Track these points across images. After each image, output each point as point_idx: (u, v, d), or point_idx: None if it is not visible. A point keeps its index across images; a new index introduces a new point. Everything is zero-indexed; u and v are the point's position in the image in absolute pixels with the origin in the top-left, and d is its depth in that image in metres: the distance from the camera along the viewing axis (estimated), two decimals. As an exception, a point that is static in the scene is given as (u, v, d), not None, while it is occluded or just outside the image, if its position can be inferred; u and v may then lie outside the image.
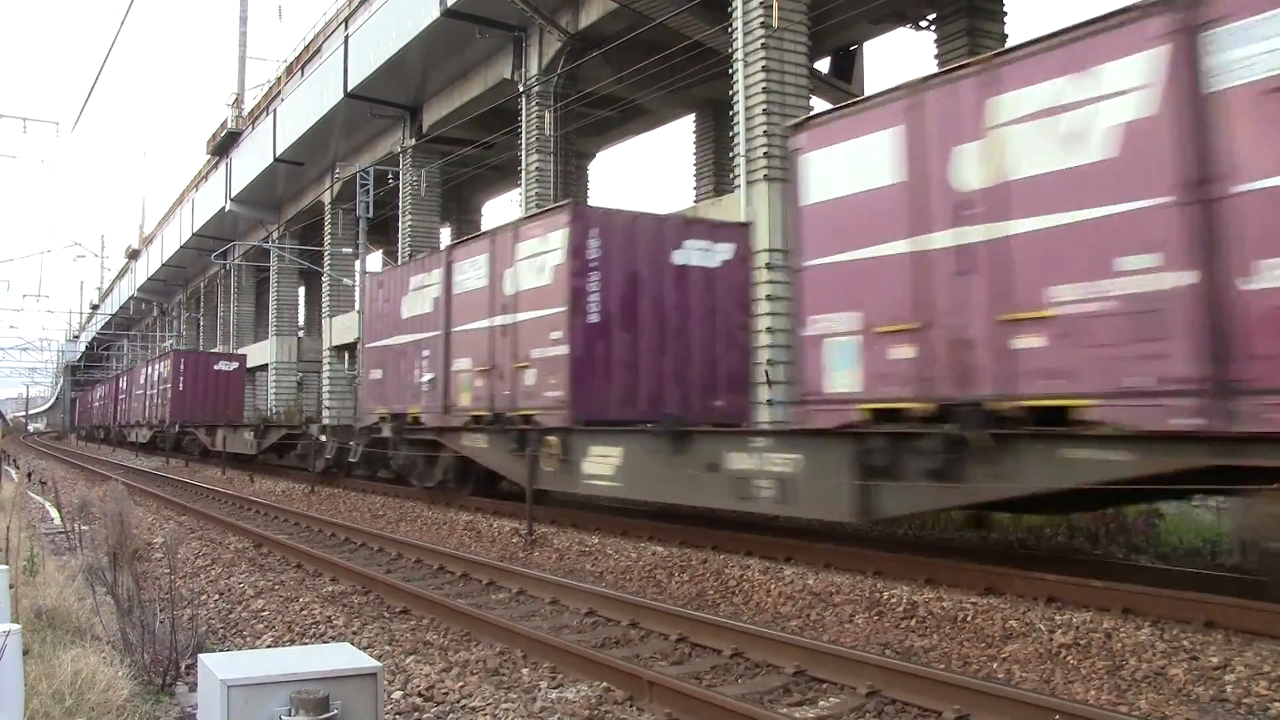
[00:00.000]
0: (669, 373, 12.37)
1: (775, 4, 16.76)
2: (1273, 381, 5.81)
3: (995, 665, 6.22)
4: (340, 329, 35.18)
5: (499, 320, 13.33)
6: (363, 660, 3.19)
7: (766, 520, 11.42)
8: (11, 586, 5.22)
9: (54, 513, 15.06)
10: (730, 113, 17.97)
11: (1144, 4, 6.53)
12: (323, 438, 19.24)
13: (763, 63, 16.87)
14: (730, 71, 17.71)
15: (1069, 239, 6.84)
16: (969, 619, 6.96)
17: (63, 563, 9.03)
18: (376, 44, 26.96)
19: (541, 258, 12.48)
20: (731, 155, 18.06)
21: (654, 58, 20.54)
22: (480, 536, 12.50)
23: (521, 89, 24.24)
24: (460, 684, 5.70)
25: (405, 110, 30.20)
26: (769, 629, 6.92)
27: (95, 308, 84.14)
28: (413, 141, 30.18)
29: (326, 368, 36.53)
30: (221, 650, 6.56)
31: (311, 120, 32.36)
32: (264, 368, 43.06)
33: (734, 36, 17.48)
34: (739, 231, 13.94)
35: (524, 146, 24.46)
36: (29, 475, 23.67)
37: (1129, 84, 6.56)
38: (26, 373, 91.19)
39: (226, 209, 43.25)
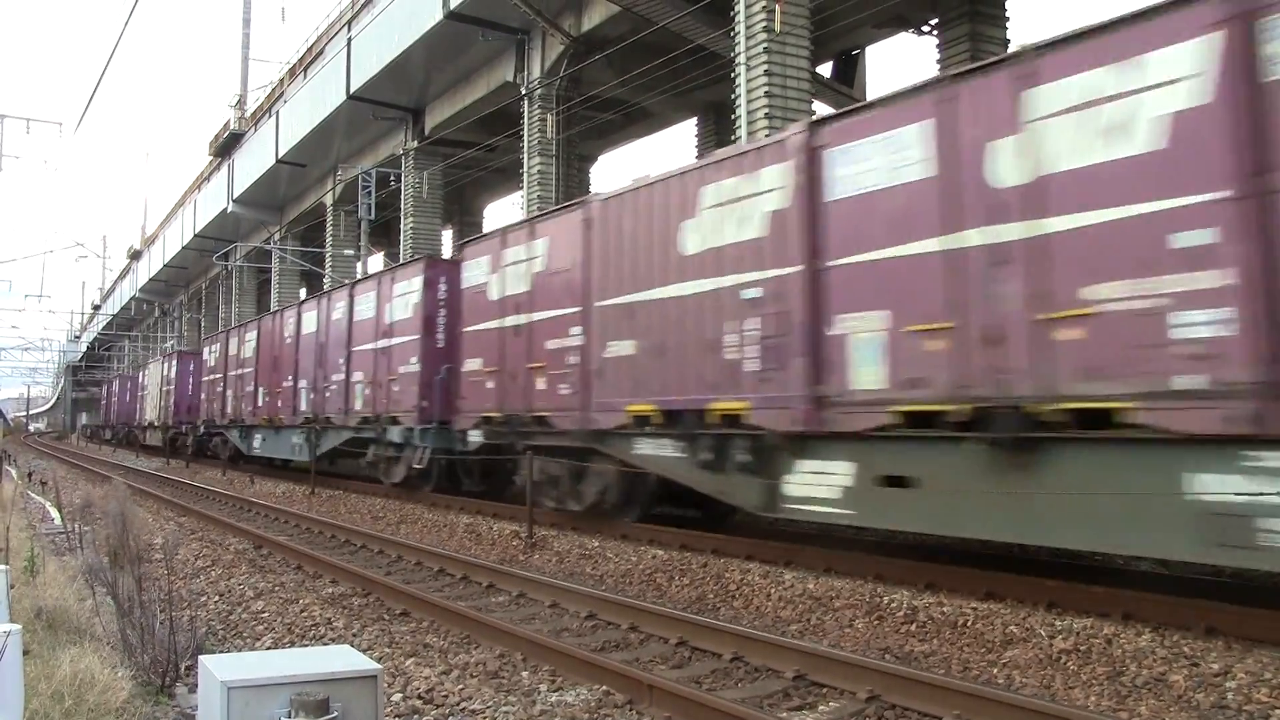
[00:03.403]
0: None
1: (778, 8, 16.77)
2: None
3: (995, 670, 6.21)
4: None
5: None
6: (363, 662, 3.19)
7: (766, 524, 11.37)
8: (11, 587, 5.23)
9: (54, 513, 15.06)
10: (732, 116, 17.98)
11: None
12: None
13: (765, 67, 16.87)
14: (732, 75, 17.72)
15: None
16: (969, 624, 6.95)
17: (63, 563, 9.03)
18: (379, 46, 26.99)
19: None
20: (733, 159, 18.04)
21: (656, 61, 20.56)
22: (480, 539, 12.49)
23: (524, 92, 24.26)
24: (460, 686, 5.70)
25: (407, 112, 30.23)
26: (769, 633, 6.91)
27: (97, 308, 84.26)
28: (415, 144, 30.20)
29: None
30: (221, 652, 6.56)
31: (314, 122, 32.38)
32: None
33: (736, 40, 17.49)
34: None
35: (526, 149, 24.48)
36: (29, 475, 23.69)
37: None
38: (28, 373, 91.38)
39: (228, 210, 43.30)
